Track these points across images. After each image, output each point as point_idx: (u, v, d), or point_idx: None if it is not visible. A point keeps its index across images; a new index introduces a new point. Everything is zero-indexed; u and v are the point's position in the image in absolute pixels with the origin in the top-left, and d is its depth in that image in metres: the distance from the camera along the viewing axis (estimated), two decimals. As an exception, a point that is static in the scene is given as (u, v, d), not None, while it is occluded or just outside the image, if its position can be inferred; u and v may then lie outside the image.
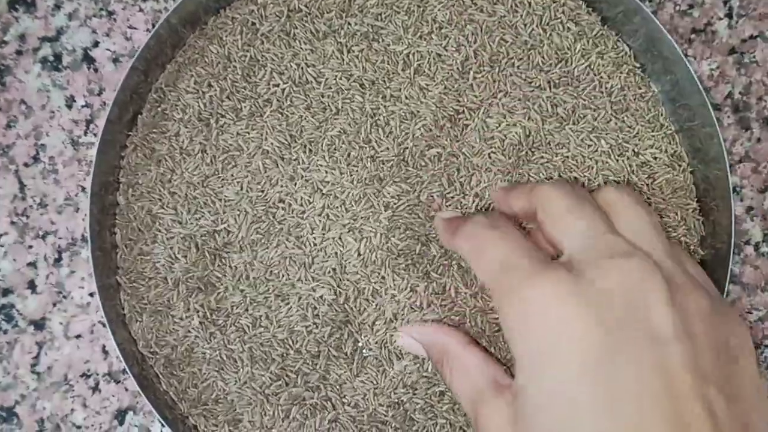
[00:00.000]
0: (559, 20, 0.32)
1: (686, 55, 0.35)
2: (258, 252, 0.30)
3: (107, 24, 0.34)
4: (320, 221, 0.30)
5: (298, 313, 0.30)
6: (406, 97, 0.31)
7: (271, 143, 0.31)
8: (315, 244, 0.30)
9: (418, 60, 0.31)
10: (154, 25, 0.34)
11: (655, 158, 0.31)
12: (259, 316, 0.30)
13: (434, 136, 0.31)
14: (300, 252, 0.30)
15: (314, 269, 0.30)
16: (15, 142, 0.34)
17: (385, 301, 0.30)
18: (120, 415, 0.33)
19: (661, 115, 0.32)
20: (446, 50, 0.31)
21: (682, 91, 0.31)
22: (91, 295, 0.33)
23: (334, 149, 0.31)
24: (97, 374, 0.33)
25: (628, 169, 0.31)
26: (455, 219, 0.28)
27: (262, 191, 0.31)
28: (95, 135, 0.34)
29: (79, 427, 0.33)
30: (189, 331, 0.30)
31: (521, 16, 0.31)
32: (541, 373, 0.21)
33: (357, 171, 0.30)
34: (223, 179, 0.31)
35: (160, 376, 0.31)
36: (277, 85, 0.31)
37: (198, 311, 0.30)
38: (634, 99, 0.32)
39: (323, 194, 0.30)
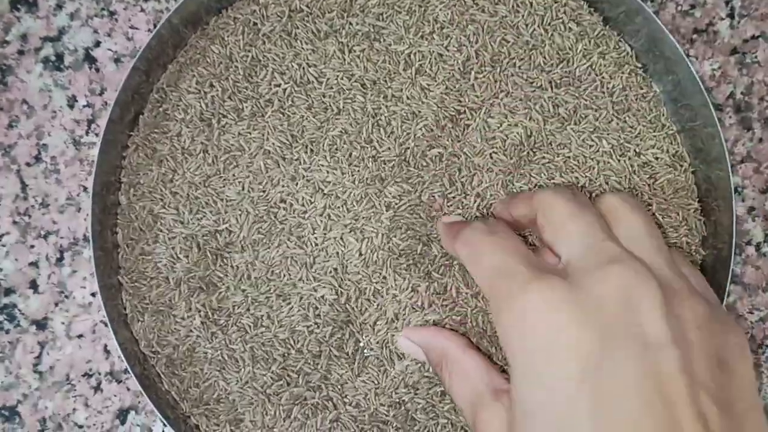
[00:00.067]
0: (561, 20, 0.32)
1: (688, 56, 0.35)
2: (259, 252, 0.30)
3: (109, 24, 0.34)
4: (322, 221, 0.30)
5: (300, 313, 0.30)
6: (408, 97, 0.31)
7: (273, 143, 0.31)
8: (316, 244, 0.30)
9: (419, 60, 0.31)
10: (155, 25, 0.34)
11: (657, 158, 0.31)
12: (261, 316, 0.30)
13: (436, 136, 0.31)
14: (301, 252, 0.30)
15: (316, 269, 0.30)
16: (17, 141, 0.34)
17: (386, 301, 0.30)
18: (122, 415, 0.33)
19: (663, 115, 0.32)
20: (448, 50, 0.31)
21: (684, 92, 0.31)
22: (93, 294, 0.33)
23: (336, 149, 0.31)
24: (99, 374, 0.33)
25: (630, 169, 0.31)
26: (456, 224, 0.28)
27: (264, 191, 0.31)
28: (97, 135, 0.34)
29: (81, 427, 0.33)
30: (190, 331, 0.31)
31: (523, 16, 0.31)
32: (535, 379, 0.21)
33: (358, 171, 0.30)
34: (224, 179, 0.31)
35: (162, 376, 0.31)
36: (279, 85, 0.31)
37: (199, 311, 0.30)
38: (636, 99, 0.32)
39: (325, 194, 0.30)
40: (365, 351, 0.30)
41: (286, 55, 0.31)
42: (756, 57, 0.35)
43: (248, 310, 0.30)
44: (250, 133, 0.31)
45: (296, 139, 0.31)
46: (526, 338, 0.22)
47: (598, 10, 0.32)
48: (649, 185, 0.31)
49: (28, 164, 0.34)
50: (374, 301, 0.30)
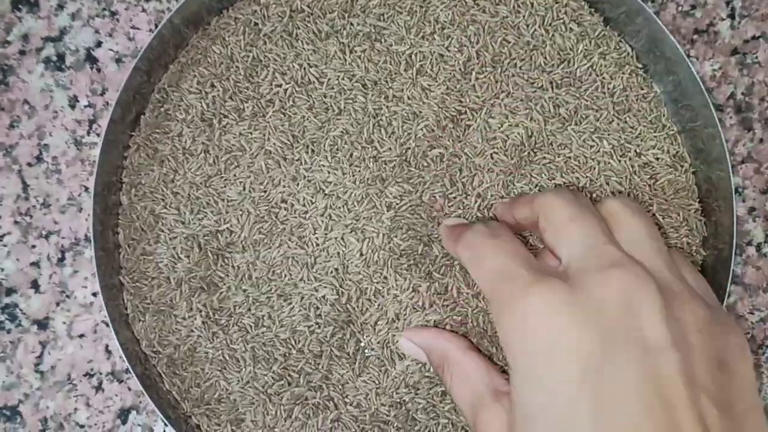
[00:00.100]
0: (562, 21, 0.32)
1: (688, 56, 0.35)
2: (260, 252, 0.31)
3: (110, 24, 0.34)
4: (323, 221, 0.30)
5: (301, 313, 0.30)
6: (409, 98, 0.31)
7: (274, 143, 0.31)
8: (317, 245, 0.30)
9: (420, 60, 0.31)
10: (156, 26, 0.34)
11: (658, 159, 0.31)
12: (262, 316, 0.30)
13: (436, 136, 0.31)
14: (302, 252, 0.30)
15: (317, 269, 0.30)
16: (18, 142, 0.34)
17: (387, 301, 0.30)
18: (123, 415, 0.33)
19: (664, 115, 0.32)
20: (448, 51, 0.31)
21: (685, 92, 0.31)
22: (95, 294, 0.34)
23: (337, 149, 0.31)
24: (101, 374, 0.33)
25: (630, 169, 0.31)
26: (458, 226, 0.28)
27: (265, 191, 0.31)
28: (98, 135, 0.34)
29: (82, 426, 0.33)
30: (192, 331, 0.31)
31: (524, 16, 0.31)
32: (535, 381, 0.21)
33: (359, 171, 0.31)
34: (225, 179, 0.31)
35: (163, 376, 0.31)
36: (280, 86, 0.31)
37: (201, 311, 0.30)
38: (637, 99, 0.32)
39: (326, 194, 0.30)
40: (366, 351, 0.30)
41: (287, 56, 0.31)
42: (756, 57, 0.36)
43: (249, 310, 0.30)
44: (251, 134, 0.31)
45: (297, 140, 0.31)
46: (526, 341, 0.22)
47: (598, 10, 0.32)
48: (649, 186, 0.31)
49: (29, 164, 0.34)
50: (375, 301, 0.30)
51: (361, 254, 0.30)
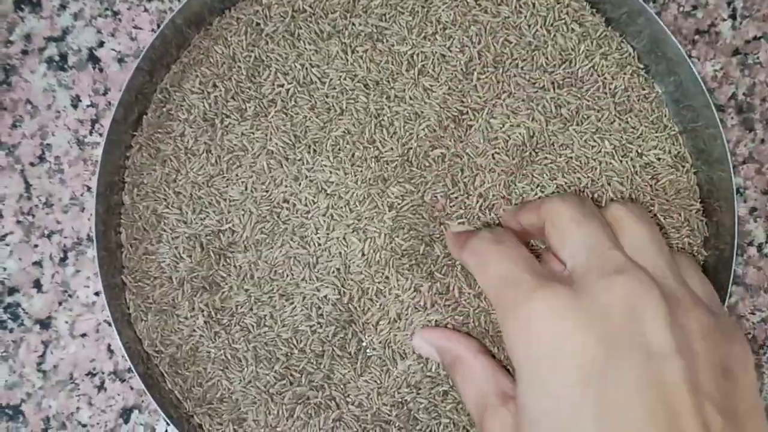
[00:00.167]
0: (563, 21, 0.32)
1: (690, 56, 0.35)
2: (262, 252, 0.31)
3: (112, 24, 0.34)
4: (324, 221, 0.30)
5: (303, 312, 0.30)
6: (411, 98, 0.31)
7: (276, 143, 0.31)
8: (319, 244, 0.30)
9: (422, 60, 0.31)
10: (159, 26, 0.34)
11: (659, 159, 0.31)
12: (264, 316, 0.30)
13: (438, 136, 0.31)
14: (304, 252, 0.30)
15: (318, 269, 0.30)
16: (21, 141, 0.34)
17: (389, 301, 0.30)
18: (125, 414, 0.33)
19: (665, 116, 0.32)
20: (450, 51, 0.31)
21: (686, 92, 0.31)
22: (97, 294, 0.34)
23: (339, 149, 0.31)
24: (103, 373, 0.33)
25: (632, 170, 0.31)
26: (463, 233, 0.28)
27: (267, 191, 0.31)
28: (101, 135, 0.34)
29: (84, 426, 0.33)
30: (194, 331, 0.31)
31: (525, 17, 0.31)
32: (540, 386, 0.21)
33: (361, 171, 0.31)
34: (227, 179, 0.31)
35: (165, 375, 0.31)
36: (282, 86, 0.31)
37: (203, 311, 0.31)
38: (638, 100, 0.32)
39: (327, 194, 0.31)
40: (368, 351, 0.30)
41: (289, 56, 0.31)
42: (758, 58, 0.36)
43: (251, 309, 0.30)
44: (253, 134, 0.31)
45: (299, 140, 0.31)
46: (531, 346, 0.22)
47: (600, 11, 0.32)
48: (651, 186, 0.31)
49: (32, 164, 0.34)
50: (377, 301, 0.30)
51: (363, 254, 0.30)
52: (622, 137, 0.31)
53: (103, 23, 0.34)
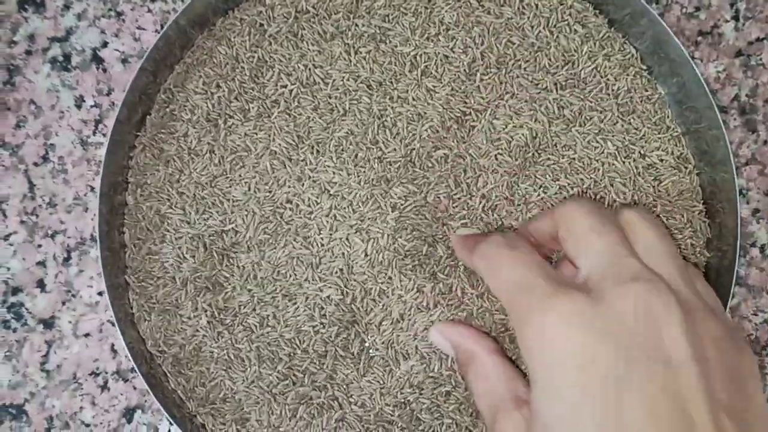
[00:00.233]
0: (566, 22, 0.32)
1: (693, 58, 0.35)
2: (265, 252, 0.31)
3: (116, 24, 0.35)
4: (327, 222, 0.30)
5: (306, 313, 0.30)
6: (413, 99, 0.31)
7: (279, 144, 0.31)
8: (322, 245, 0.30)
9: (425, 61, 0.31)
10: (162, 26, 0.34)
11: (662, 160, 0.31)
12: (267, 316, 0.30)
13: (441, 137, 0.31)
14: (307, 252, 0.30)
15: (321, 269, 0.30)
16: (24, 141, 0.34)
17: (391, 301, 0.30)
18: (128, 414, 0.33)
19: (668, 117, 0.32)
20: (453, 52, 0.31)
21: (689, 94, 0.31)
22: (100, 294, 0.34)
23: (342, 150, 0.31)
24: (106, 373, 0.33)
25: (635, 171, 0.31)
26: (472, 237, 0.28)
27: (270, 192, 0.31)
28: (104, 135, 0.34)
29: (87, 425, 0.33)
30: (197, 331, 0.31)
31: (528, 18, 0.31)
32: (554, 393, 0.21)
33: (364, 172, 0.31)
34: (230, 180, 0.31)
35: (168, 375, 0.31)
36: (285, 86, 0.31)
37: (206, 311, 0.31)
38: (641, 101, 0.32)
39: (330, 195, 0.31)
40: (370, 351, 0.30)
41: (293, 56, 0.31)
42: (761, 59, 0.36)
43: (254, 309, 0.31)
44: (256, 134, 0.31)
45: (302, 140, 0.31)
46: (546, 352, 0.22)
47: (603, 12, 0.33)
48: (653, 187, 0.31)
49: (35, 164, 0.34)
50: (380, 302, 0.30)
51: (366, 255, 0.30)
52: (624, 138, 0.31)
53: (107, 24, 0.35)
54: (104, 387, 0.33)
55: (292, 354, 0.30)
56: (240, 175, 0.31)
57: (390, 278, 0.30)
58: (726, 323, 0.23)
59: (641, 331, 0.21)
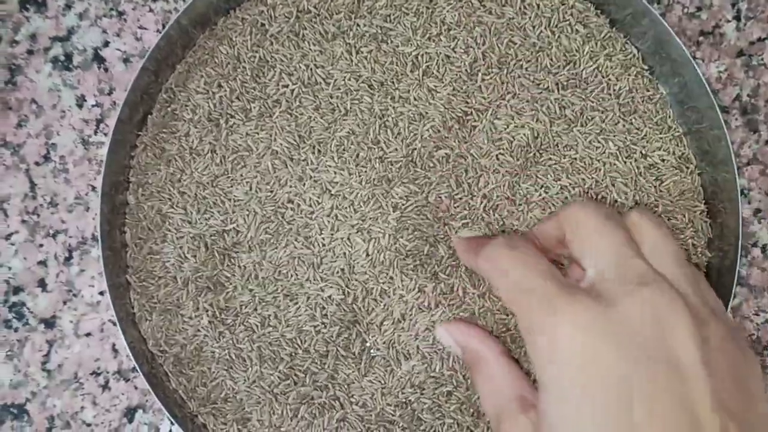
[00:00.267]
0: (568, 22, 0.32)
1: (694, 58, 0.35)
2: (267, 252, 0.31)
3: (117, 24, 0.35)
4: (329, 222, 0.30)
5: (307, 312, 0.30)
6: (415, 99, 0.31)
7: (280, 144, 0.31)
8: (323, 245, 0.30)
9: (426, 61, 0.31)
10: (164, 26, 0.34)
11: (663, 160, 0.31)
12: (268, 316, 0.30)
13: (442, 137, 0.31)
14: (308, 252, 0.30)
15: (323, 269, 0.30)
16: (26, 141, 0.34)
17: (393, 301, 0.30)
18: (129, 413, 0.33)
19: (669, 117, 0.32)
20: (455, 52, 0.31)
21: (690, 94, 0.31)
22: (102, 293, 0.34)
23: (343, 150, 0.31)
24: (107, 372, 0.33)
25: (636, 171, 0.31)
26: (474, 239, 0.28)
27: (271, 191, 0.31)
28: (106, 134, 0.34)
29: (89, 425, 0.33)
30: (198, 330, 0.31)
31: (530, 18, 0.31)
32: (563, 401, 0.21)
33: (365, 172, 0.31)
34: (232, 179, 0.31)
35: (170, 375, 0.31)
36: (287, 86, 0.31)
37: (207, 310, 0.31)
38: (642, 101, 0.32)
39: (332, 195, 0.31)
40: (372, 351, 0.30)
41: (294, 56, 0.31)
42: (762, 59, 0.36)
43: (255, 309, 0.31)
44: (257, 134, 0.31)
45: (304, 140, 0.31)
46: (554, 356, 0.22)
47: (604, 12, 0.32)
48: (655, 187, 0.31)
49: (37, 163, 0.34)
50: (381, 302, 0.30)
51: (367, 254, 0.30)
52: (626, 138, 0.31)
53: (108, 23, 0.35)
54: (105, 387, 0.33)
55: (293, 354, 0.30)
56: (241, 175, 0.31)
57: (391, 278, 0.30)
58: (728, 324, 0.23)
59: (649, 335, 0.21)
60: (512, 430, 0.24)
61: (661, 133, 0.32)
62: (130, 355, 0.30)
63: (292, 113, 0.31)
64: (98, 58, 0.34)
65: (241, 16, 0.32)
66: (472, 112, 0.31)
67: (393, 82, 0.31)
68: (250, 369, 0.30)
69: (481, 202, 0.30)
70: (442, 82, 0.31)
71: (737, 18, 0.36)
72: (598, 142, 0.31)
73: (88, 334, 0.34)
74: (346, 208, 0.30)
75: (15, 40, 0.34)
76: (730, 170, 0.30)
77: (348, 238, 0.30)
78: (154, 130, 0.32)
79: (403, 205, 0.30)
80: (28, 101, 0.34)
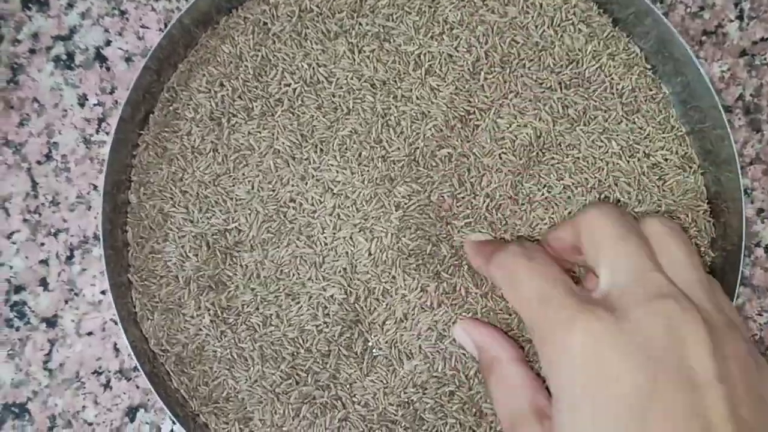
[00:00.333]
0: (571, 21, 0.32)
1: (697, 57, 0.35)
2: (269, 251, 0.31)
3: (120, 23, 0.35)
4: (331, 221, 0.30)
5: (309, 312, 0.30)
6: (417, 98, 0.31)
7: (283, 143, 0.31)
8: (326, 244, 0.30)
9: (429, 60, 0.31)
10: (166, 25, 0.34)
11: (666, 160, 0.31)
12: (270, 315, 0.30)
13: (445, 136, 0.31)
14: (311, 251, 0.30)
15: (325, 268, 0.30)
16: (28, 140, 0.34)
17: (395, 300, 0.30)
18: (131, 413, 0.33)
19: (672, 116, 0.32)
20: (457, 51, 0.31)
21: (693, 93, 0.31)
22: (103, 293, 0.34)
23: (345, 149, 0.31)
24: (109, 371, 0.33)
25: (639, 170, 0.31)
26: (486, 244, 0.28)
27: (273, 190, 0.31)
28: (107, 133, 0.34)
29: (90, 424, 0.33)
30: (200, 330, 0.31)
31: (532, 17, 0.31)
32: (577, 410, 0.21)
33: (368, 171, 0.31)
34: (234, 178, 0.31)
35: (171, 374, 0.31)
36: (289, 85, 0.31)
37: (209, 309, 0.31)
38: (645, 100, 0.32)
39: (334, 194, 0.31)
40: (374, 350, 0.30)
41: (296, 55, 0.31)
42: (765, 59, 0.35)
43: (257, 309, 0.30)
44: (260, 133, 0.31)
45: (306, 139, 0.31)
46: (571, 372, 0.21)
47: (607, 11, 0.32)
48: (658, 187, 0.31)
49: (38, 162, 0.34)
50: (383, 301, 0.30)
51: (370, 254, 0.30)
52: (629, 138, 0.31)
53: (111, 22, 0.34)
54: (107, 386, 0.33)
55: (295, 353, 0.30)
56: (243, 174, 0.31)
57: (394, 277, 0.30)
58: (742, 333, 0.23)
59: (668, 351, 0.21)
60: None
61: (664, 133, 0.32)
62: (132, 354, 0.30)
63: (295, 112, 0.31)
64: (100, 57, 0.34)
65: (244, 15, 0.32)
66: (474, 111, 0.31)
67: (395, 81, 0.31)
68: (251, 368, 0.30)
69: (484, 202, 0.30)
70: (445, 81, 0.31)
71: (740, 18, 0.36)
72: (601, 141, 0.31)
73: (89, 333, 0.33)
74: (348, 207, 0.30)
75: (17, 39, 0.34)
76: (733, 170, 0.30)
77: (350, 238, 0.30)
78: (156, 129, 0.32)
79: (405, 204, 0.30)
80: (30, 100, 0.34)
